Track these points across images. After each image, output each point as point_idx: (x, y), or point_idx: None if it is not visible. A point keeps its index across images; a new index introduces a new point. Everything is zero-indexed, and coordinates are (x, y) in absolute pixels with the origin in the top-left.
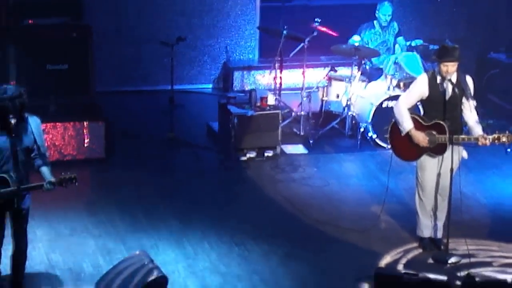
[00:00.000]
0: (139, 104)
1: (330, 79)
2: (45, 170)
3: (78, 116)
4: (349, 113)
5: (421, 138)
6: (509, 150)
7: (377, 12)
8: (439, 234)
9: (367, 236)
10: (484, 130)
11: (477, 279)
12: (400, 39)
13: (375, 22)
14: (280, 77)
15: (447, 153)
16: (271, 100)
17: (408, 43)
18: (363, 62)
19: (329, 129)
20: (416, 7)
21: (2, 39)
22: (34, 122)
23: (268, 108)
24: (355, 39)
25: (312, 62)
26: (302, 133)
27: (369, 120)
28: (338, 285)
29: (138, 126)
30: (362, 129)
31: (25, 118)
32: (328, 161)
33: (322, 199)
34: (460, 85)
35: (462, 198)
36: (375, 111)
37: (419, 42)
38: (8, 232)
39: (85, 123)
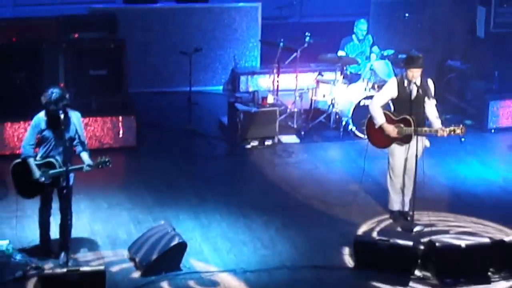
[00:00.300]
0: (163, 102)
1: (318, 82)
2: (84, 155)
3: (115, 112)
4: (333, 109)
5: (391, 130)
6: (463, 139)
7: (354, 27)
8: (406, 208)
9: (347, 210)
10: (442, 123)
11: (437, 244)
12: (375, 48)
13: (353, 36)
14: (278, 81)
15: (413, 142)
16: (270, 99)
17: (381, 52)
18: (344, 68)
19: (317, 122)
20: (388, 22)
21: (53, 49)
22: (75, 116)
23: (268, 105)
24: (341, 54)
25: (303, 68)
26: (295, 126)
27: (350, 116)
28: (324, 249)
29: (162, 120)
30: (344, 123)
31: (68, 114)
32: (316, 148)
33: (311, 180)
34: (423, 87)
35: (425, 178)
36: (354, 108)
37: (390, 51)
38: (56, 205)
39: (120, 118)
